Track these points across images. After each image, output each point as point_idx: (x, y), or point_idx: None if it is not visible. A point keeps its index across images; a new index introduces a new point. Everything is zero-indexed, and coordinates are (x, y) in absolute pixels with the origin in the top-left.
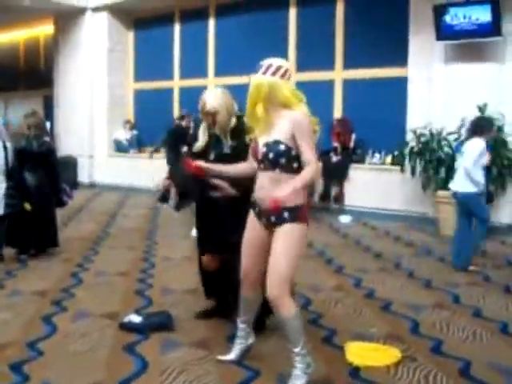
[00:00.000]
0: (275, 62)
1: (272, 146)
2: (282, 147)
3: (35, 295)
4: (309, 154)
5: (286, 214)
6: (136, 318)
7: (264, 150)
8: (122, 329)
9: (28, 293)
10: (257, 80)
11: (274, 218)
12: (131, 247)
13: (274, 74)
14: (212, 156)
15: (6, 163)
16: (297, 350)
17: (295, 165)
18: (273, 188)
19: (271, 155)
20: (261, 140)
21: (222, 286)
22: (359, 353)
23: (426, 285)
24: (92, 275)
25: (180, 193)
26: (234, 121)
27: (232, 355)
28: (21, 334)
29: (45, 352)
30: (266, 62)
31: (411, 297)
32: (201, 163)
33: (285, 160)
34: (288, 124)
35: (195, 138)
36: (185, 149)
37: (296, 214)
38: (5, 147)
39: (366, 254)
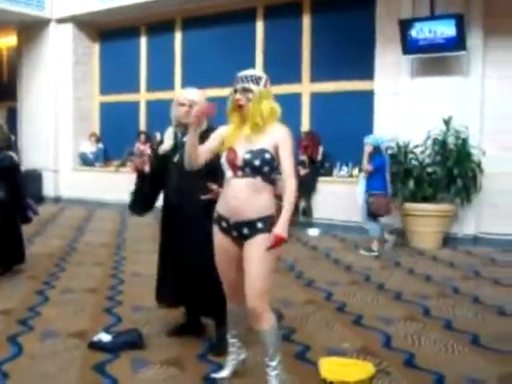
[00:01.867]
0: (260, 73)
1: (258, 153)
2: (268, 156)
3: (0, 314)
4: (290, 171)
5: (259, 225)
6: (105, 337)
7: (248, 156)
8: (92, 348)
9: None
10: (261, 91)
11: (246, 230)
12: (99, 263)
13: (265, 85)
14: (176, 158)
15: None
16: (273, 364)
17: (273, 176)
18: (249, 197)
19: (257, 162)
20: (240, 147)
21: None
22: (333, 368)
23: (397, 297)
24: (59, 293)
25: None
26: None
27: (225, 372)
28: None
29: (10, 374)
30: (252, 73)
31: (382, 309)
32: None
33: (268, 169)
34: (273, 136)
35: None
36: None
37: (268, 223)
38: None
39: (335, 267)
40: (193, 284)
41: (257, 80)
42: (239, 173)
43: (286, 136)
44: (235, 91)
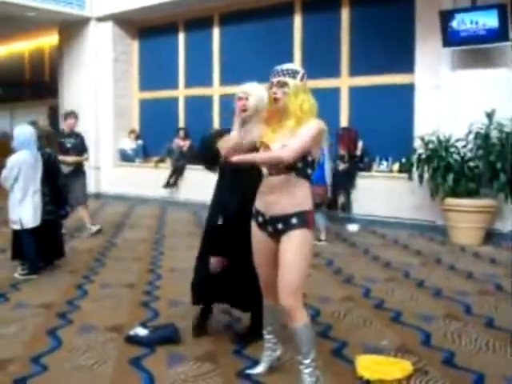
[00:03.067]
0: (296, 67)
1: None
2: None
3: (40, 308)
4: (290, 146)
5: (293, 220)
6: (142, 331)
7: None
8: (128, 342)
9: (33, 306)
10: (297, 85)
11: (281, 225)
12: (137, 258)
13: (301, 80)
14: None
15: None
16: (307, 361)
17: (309, 171)
18: (284, 192)
19: None
20: (274, 144)
21: (220, 288)
22: (370, 366)
23: (437, 294)
24: (98, 287)
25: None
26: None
27: (260, 368)
28: (25, 348)
29: (49, 367)
30: (288, 67)
31: (421, 307)
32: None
33: (301, 164)
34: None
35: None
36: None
37: (303, 219)
38: (43, 155)
39: (374, 264)
40: (233, 279)
41: (293, 74)
42: (274, 170)
43: (311, 124)
44: (272, 85)
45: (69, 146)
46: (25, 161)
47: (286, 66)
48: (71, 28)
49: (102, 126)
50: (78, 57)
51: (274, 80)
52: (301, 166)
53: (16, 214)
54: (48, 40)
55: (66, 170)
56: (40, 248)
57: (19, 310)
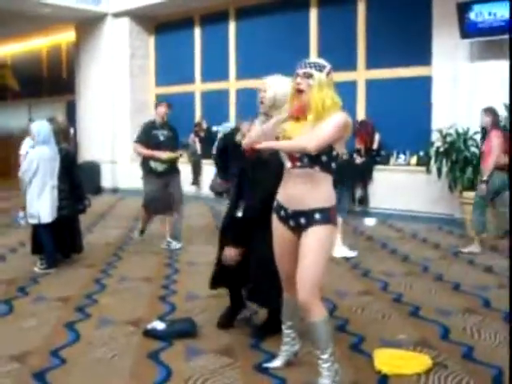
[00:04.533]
0: (324, 62)
1: None
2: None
3: (59, 302)
4: (315, 135)
5: (317, 216)
6: (160, 325)
7: None
8: (146, 336)
9: (52, 299)
10: (322, 79)
11: (303, 219)
12: (155, 252)
13: (327, 74)
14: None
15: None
16: (325, 356)
17: (333, 165)
18: (308, 187)
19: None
20: (295, 137)
21: (239, 277)
22: (388, 360)
23: (455, 288)
24: (115, 281)
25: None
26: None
27: (278, 362)
28: (44, 341)
29: (68, 360)
30: (315, 60)
31: (440, 301)
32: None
33: (326, 158)
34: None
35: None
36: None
37: (326, 215)
38: (60, 150)
39: (392, 257)
40: (251, 272)
41: (320, 67)
42: (297, 163)
43: (336, 116)
44: (297, 76)
45: (162, 138)
46: (43, 156)
47: (313, 60)
48: (88, 24)
49: (118, 121)
50: (94, 53)
51: (300, 71)
52: (325, 159)
53: (34, 209)
54: (65, 36)
55: (159, 168)
56: (58, 242)
57: (38, 303)
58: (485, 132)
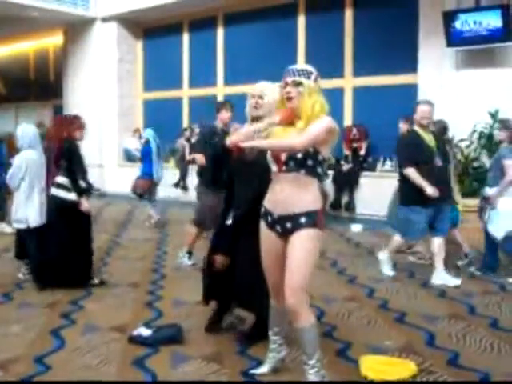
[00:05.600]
0: (311, 68)
1: None
2: (311, 149)
3: (44, 308)
4: (305, 134)
5: (302, 220)
6: (145, 331)
7: None
8: (132, 342)
9: (37, 305)
10: (310, 85)
11: (289, 224)
12: (141, 258)
13: (315, 81)
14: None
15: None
16: (312, 362)
17: (319, 170)
18: (294, 191)
19: (300, 155)
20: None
21: (227, 288)
22: (374, 366)
23: (441, 295)
24: (101, 287)
25: None
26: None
27: (265, 368)
28: (29, 347)
29: (53, 367)
30: (303, 67)
31: (426, 307)
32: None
33: (311, 162)
34: None
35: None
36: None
37: (312, 219)
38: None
39: (378, 263)
40: (239, 279)
41: (308, 74)
42: (283, 167)
43: (324, 119)
44: (286, 84)
45: None
46: (31, 160)
47: (300, 67)
48: (76, 28)
49: (106, 125)
50: (82, 57)
51: (289, 79)
52: (311, 163)
53: (22, 213)
54: (53, 40)
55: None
56: (43, 247)
57: (23, 309)
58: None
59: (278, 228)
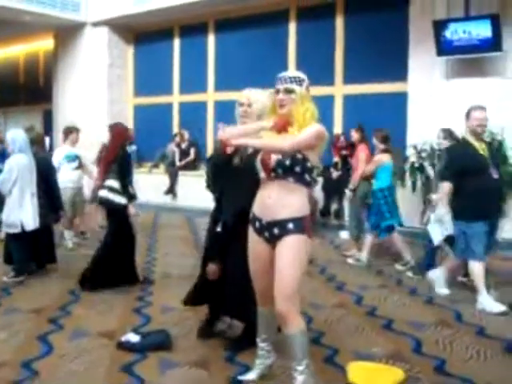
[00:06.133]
0: (302, 75)
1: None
2: (299, 156)
3: (31, 313)
4: (295, 139)
5: (290, 225)
6: (134, 337)
7: (279, 156)
8: (120, 348)
9: (24, 311)
10: (302, 93)
11: (277, 230)
12: None
13: (306, 88)
14: (236, 160)
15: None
16: (300, 368)
17: (307, 177)
18: (281, 197)
19: (288, 162)
20: None
21: (217, 294)
22: (361, 373)
23: (428, 302)
24: (90, 292)
25: None
26: None
27: (252, 375)
28: (16, 353)
29: (40, 372)
30: (295, 74)
31: (413, 314)
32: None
33: (299, 169)
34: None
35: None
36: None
37: (299, 225)
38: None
39: (367, 271)
40: (226, 286)
41: (300, 82)
42: (272, 174)
43: (314, 125)
44: (277, 92)
45: None
46: (22, 164)
47: (292, 74)
48: (66, 33)
49: (96, 131)
50: (72, 61)
51: (281, 87)
52: (299, 170)
53: (16, 217)
54: (43, 44)
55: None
56: (34, 251)
57: (10, 315)
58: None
59: (266, 234)
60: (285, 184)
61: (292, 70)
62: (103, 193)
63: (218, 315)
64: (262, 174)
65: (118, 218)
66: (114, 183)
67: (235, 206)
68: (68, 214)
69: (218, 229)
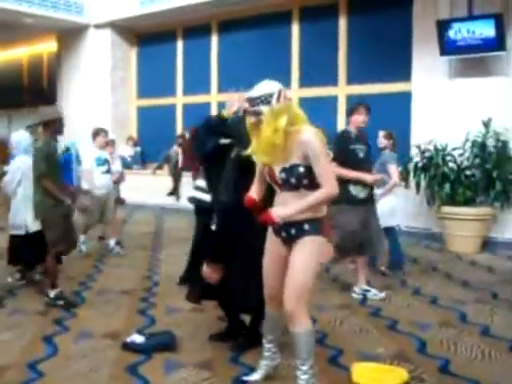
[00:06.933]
0: (270, 88)
1: (290, 170)
2: (302, 170)
3: (37, 314)
4: (325, 178)
5: (306, 227)
6: (138, 338)
7: (283, 175)
8: (125, 349)
9: (29, 312)
10: (273, 111)
11: (293, 230)
12: (135, 265)
13: (278, 100)
14: (233, 153)
15: None
16: (304, 368)
17: (317, 181)
18: (297, 200)
19: (293, 180)
20: (276, 165)
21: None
22: (366, 374)
23: (433, 302)
24: (95, 294)
25: None
26: None
27: (257, 376)
28: (22, 354)
29: (46, 373)
30: (260, 93)
31: (418, 315)
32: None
33: (307, 180)
34: (300, 147)
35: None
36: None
37: (316, 226)
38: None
39: (371, 271)
40: (230, 283)
41: (267, 99)
42: (283, 187)
43: (311, 142)
44: (248, 113)
45: (361, 156)
46: (26, 166)
47: (258, 92)
48: (70, 35)
49: None
50: (76, 63)
51: (250, 110)
52: (306, 182)
53: (20, 219)
54: (46, 47)
55: (360, 194)
56: (39, 253)
57: (16, 316)
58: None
59: (284, 234)
60: (297, 194)
61: (259, 86)
62: (193, 192)
63: (237, 331)
64: (275, 187)
65: (203, 214)
66: (201, 183)
67: (222, 202)
68: (90, 220)
69: (213, 227)
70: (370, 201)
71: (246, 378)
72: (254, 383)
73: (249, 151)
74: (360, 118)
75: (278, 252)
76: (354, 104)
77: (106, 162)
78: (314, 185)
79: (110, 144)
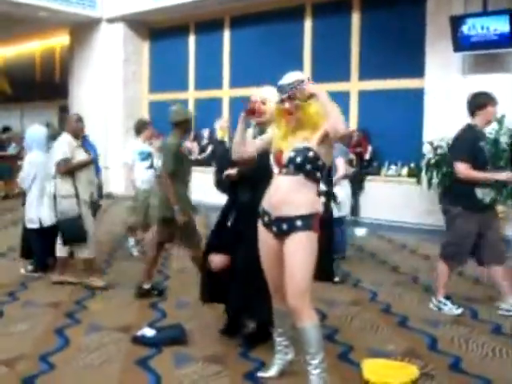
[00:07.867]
0: (300, 75)
1: (301, 151)
2: (311, 154)
3: (48, 307)
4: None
5: (298, 222)
6: (149, 332)
7: (292, 154)
8: (135, 342)
9: (41, 305)
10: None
11: (285, 225)
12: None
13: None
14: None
15: None
16: (315, 362)
17: (318, 175)
18: (290, 193)
19: (299, 159)
20: (286, 147)
21: (227, 289)
22: (376, 370)
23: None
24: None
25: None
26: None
27: (272, 372)
28: (34, 346)
29: (57, 365)
30: (293, 80)
31: (428, 312)
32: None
33: (310, 167)
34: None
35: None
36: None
37: (308, 222)
38: None
39: (382, 268)
40: (240, 283)
41: (299, 85)
42: (283, 170)
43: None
44: (282, 101)
45: (488, 155)
46: (39, 161)
47: (290, 79)
48: (82, 29)
49: (111, 126)
50: (88, 57)
51: (284, 96)
52: (309, 168)
53: (34, 213)
54: (59, 41)
55: (487, 198)
56: (52, 247)
57: (28, 308)
58: None
59: (275, 228)
60: (295, 180)
61: (288, 75)
62: None
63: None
64: (275, 170)
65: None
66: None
67: (249, 202)
68: (133, 220)
69: (228, 223)
70: (493, 207)
71: (261, 374)
72: (268, 379)
73: (268, 136)
74: (495, 111)
75: (271, 246)
76: (480, 95)
77: (149, 156)
78: (314, 175)
79: (156, 137)
